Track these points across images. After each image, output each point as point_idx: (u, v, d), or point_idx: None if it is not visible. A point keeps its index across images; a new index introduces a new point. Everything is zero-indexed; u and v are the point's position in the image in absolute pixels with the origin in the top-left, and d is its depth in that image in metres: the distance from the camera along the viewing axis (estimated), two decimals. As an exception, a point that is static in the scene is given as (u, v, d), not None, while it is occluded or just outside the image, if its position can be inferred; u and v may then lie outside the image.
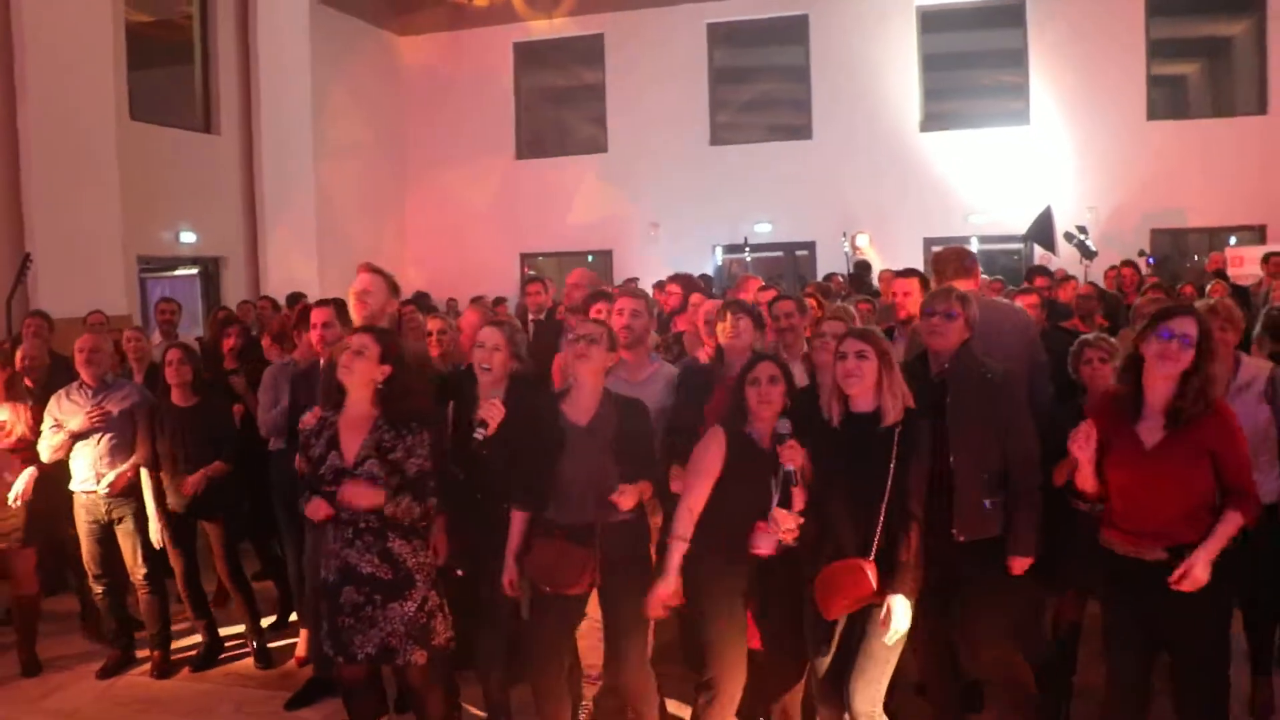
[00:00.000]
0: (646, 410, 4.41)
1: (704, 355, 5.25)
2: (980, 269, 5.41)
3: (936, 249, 16.30)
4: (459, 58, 18.73)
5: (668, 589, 3.91)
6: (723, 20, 17.58)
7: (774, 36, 17.93)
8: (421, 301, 12.39)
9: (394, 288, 5.19)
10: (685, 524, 3.91)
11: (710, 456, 3.96)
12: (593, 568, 4.08)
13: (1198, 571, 3.38)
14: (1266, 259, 11.26)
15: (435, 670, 4.21)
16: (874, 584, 3.61)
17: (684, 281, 7.21)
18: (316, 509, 3.95)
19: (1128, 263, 10.94)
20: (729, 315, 4.76)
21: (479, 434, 4.28)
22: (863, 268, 13.76)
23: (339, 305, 5.30)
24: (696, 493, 3.93)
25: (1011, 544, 3.98)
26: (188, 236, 14.17)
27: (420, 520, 4.08)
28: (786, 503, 3.86)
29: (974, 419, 4.01)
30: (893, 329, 5.53)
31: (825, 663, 3.88)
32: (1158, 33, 16.23)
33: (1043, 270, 9.59)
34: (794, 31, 17.39)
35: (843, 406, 3.83)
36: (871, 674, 3.73)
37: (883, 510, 3.68)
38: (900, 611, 3.62)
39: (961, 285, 4.75)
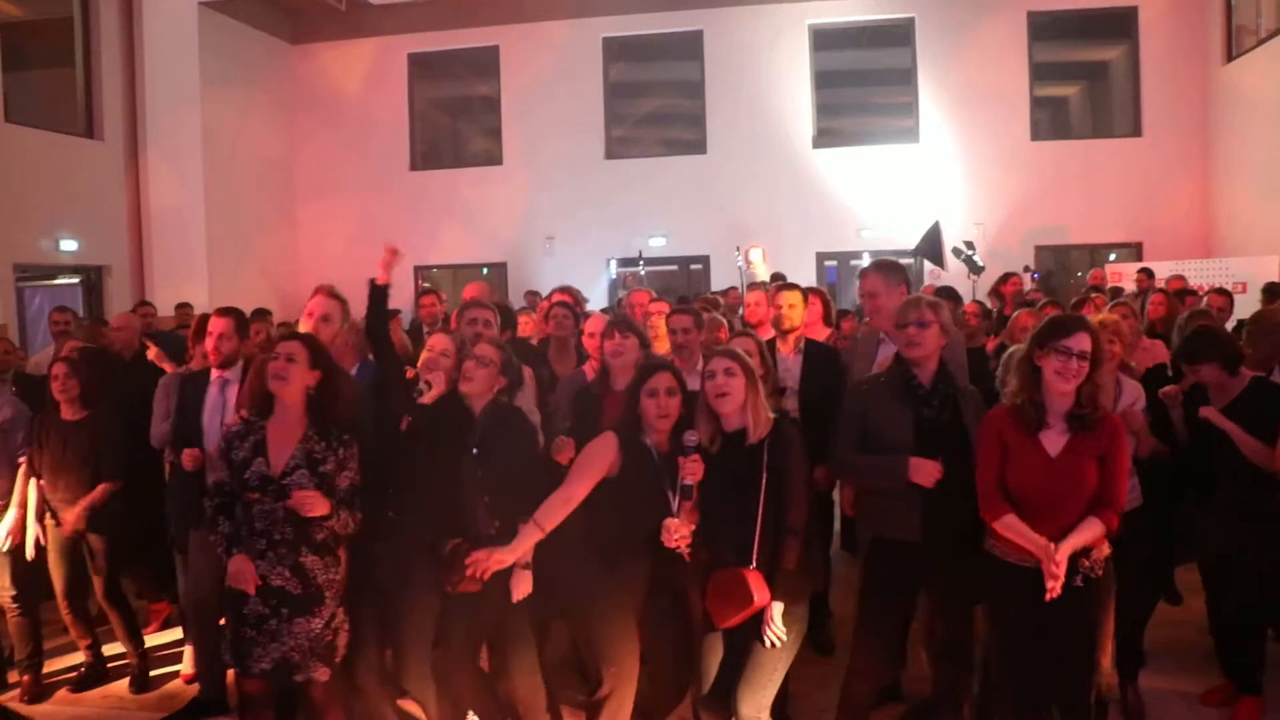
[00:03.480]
0: (520, 413, 4.46)
1: (590, 370, 5.28)
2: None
3: (829, 263, 16.73)
4: (352, 67, 18.44)
5: (500, 560, 3.85)
6: (618, 35, 17.60)
7: (669, 52, 18.06)
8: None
9: (347, 313, 5.14)
10: (554, 515, 3.85)
11: (600, 458, 3.95)
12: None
13: (1059, 567, 3.53)
14: (1144, 272, 11.72)
15: (336, 688, 4.17)
16: (755, 595, 3.67)
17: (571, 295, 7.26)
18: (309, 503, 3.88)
19: (1007, 275, 11.21)
20: (616, 333, 4.79)
21: (422, 388, 4.41)
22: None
23: (238, 316, 5.21)
24: (578, 487, 3.90)
25: None
26: (68, 244, 13.72)
27: (347, 536, 4.07)
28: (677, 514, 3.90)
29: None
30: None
31: (712, 671, 3.89)
32: (1040, 56, 16.70)
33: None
34: (689, 47, 17.50)
35: (714, 427, 3.88)
36: (758, 681, 3.78)
37: (759, 522, 3.74)
38: (778, 618, 3.71)
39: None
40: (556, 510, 3.86)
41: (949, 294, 8.49)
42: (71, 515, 5.45)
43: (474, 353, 4.39)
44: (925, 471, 3.93)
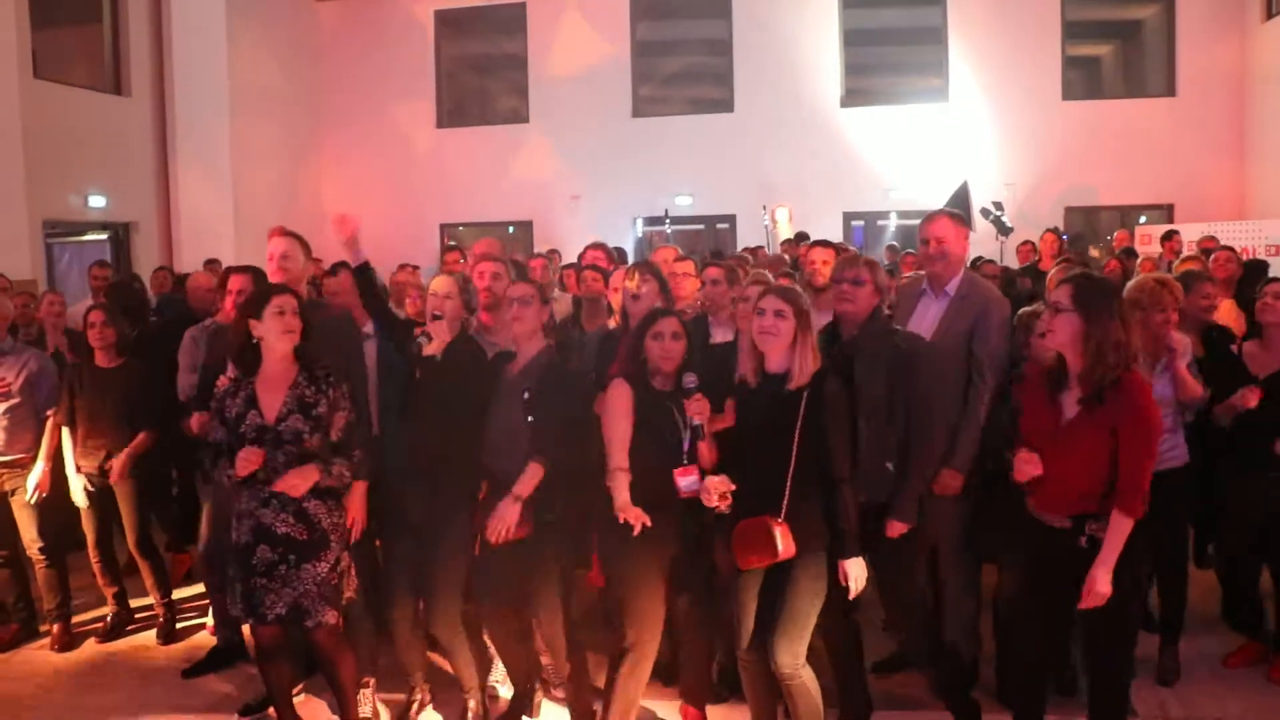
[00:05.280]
0: (572, 376, 4.56)
1: (613, 322, 5.32)
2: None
3: (856, 223, 16.64)
4: (379, 23, 18.37)
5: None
6: (647, -8, 17.48)
7: (697, 9, 17.89)
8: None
9: (308, 250, 5.13)
10: (620, 455, 3.98)
11: (622, 403, 4.04)
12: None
13: (1100, 587, 3.39)
14: (1168, 236, 11.58)
15: (345, 632, 4.24)
16: (780, 545, 3.66)
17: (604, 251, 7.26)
18: (248, 461, 3.85)
19: (1050, 231, 11.15)
20: (636, 274, 4.83)
21: (422, 342, 4.42)
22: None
23: (257, 273, 5.21)
24: (620, 429, 4.00)
25: (894, 510, 4.07)
26: (97, 201, 13.81)
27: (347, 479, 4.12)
28: (694, 457, 3.97)
29: (879, 385, 4.05)
30: None
31: (748, 626, 3.93)
32: (1073, 14, 16.46)
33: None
34: (717, 4, 17.33)
35: (758, 365, 3.89)
36: (793, 631, 3.79)
37: (790, 473, 3.73)
38: (856, 573, 3.75)
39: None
40: (620, 453, 3.99)
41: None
42: (117, 464, 5.53)
43: (510, 294, 4.46)
44: None
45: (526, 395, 4.24)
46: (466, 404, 4.35)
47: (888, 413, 4.06)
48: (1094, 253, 13.20)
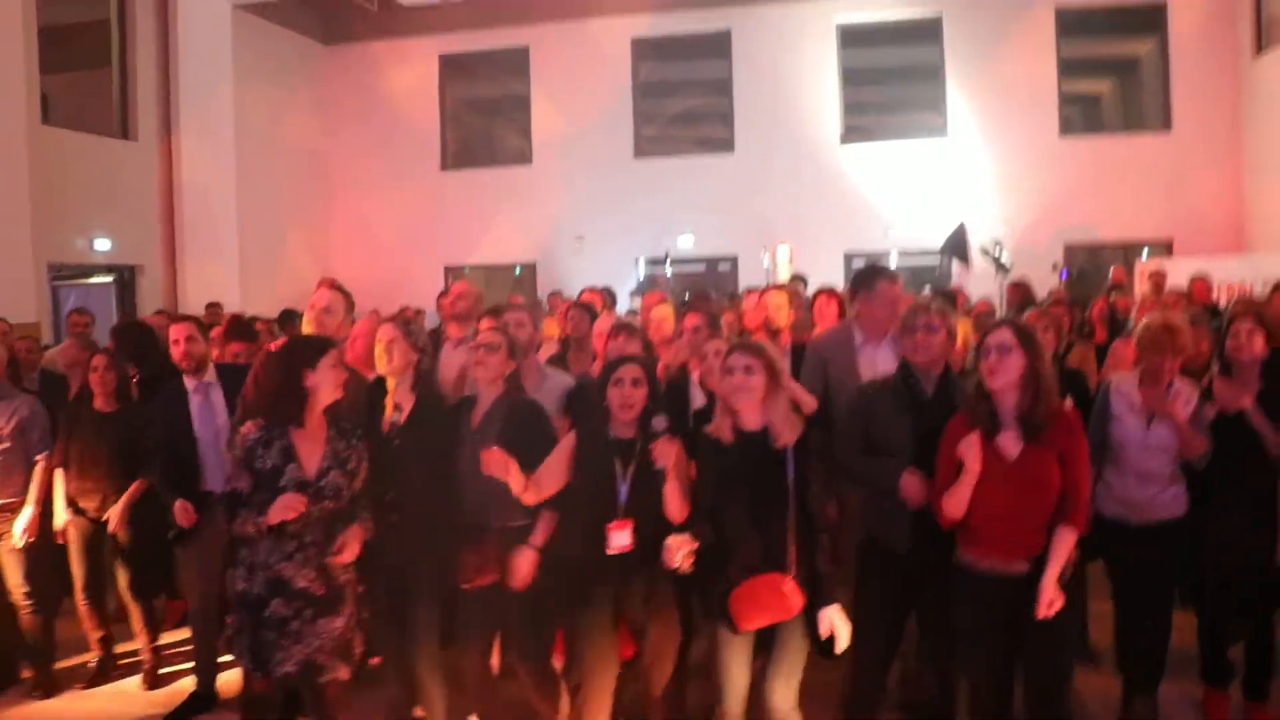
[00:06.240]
0: (540, 410, 4.57)
1: (596, 370, 5.43)
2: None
3: (858, 261, 16.67)
4: (385, 68, 18.66)
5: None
6: (647, 35, 17.69)
7: (697, 51, 18.08)
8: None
9: (351, 306, 5.27)
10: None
11: (565, 448, 4.14)
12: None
13: (1052, 594, 3.57)
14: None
15: (351, 687, 4.22)
16: (793, 602, 3.66)
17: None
18: (289, 508, 3.78)
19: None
20: (621, 336, 5.04)
21: (395, 419, 4.44)
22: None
23: (196, 320, 5.41)
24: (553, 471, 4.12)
25: None
26: (102, 244, 13.97)
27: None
28: (631, 512, 3.97)
29: None
30: None
31: (742, 680, 3.88)
32: (1069, 52, 16.63)
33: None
34: (717, 46, 17.55)
35: (733, 422, 3.85)
36: (790, 671, 3.80)
37: (790, 528, 3.71)
38: (840, 622, 3.72)
39: None
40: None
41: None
42: (115, 514, 5.55)
43: (480, 340, 4.51)
44: (912, 489, 3.92)
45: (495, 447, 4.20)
46: (430, 456, 4.39)
47: None
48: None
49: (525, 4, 17.67)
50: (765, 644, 3.85)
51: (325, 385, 3.96)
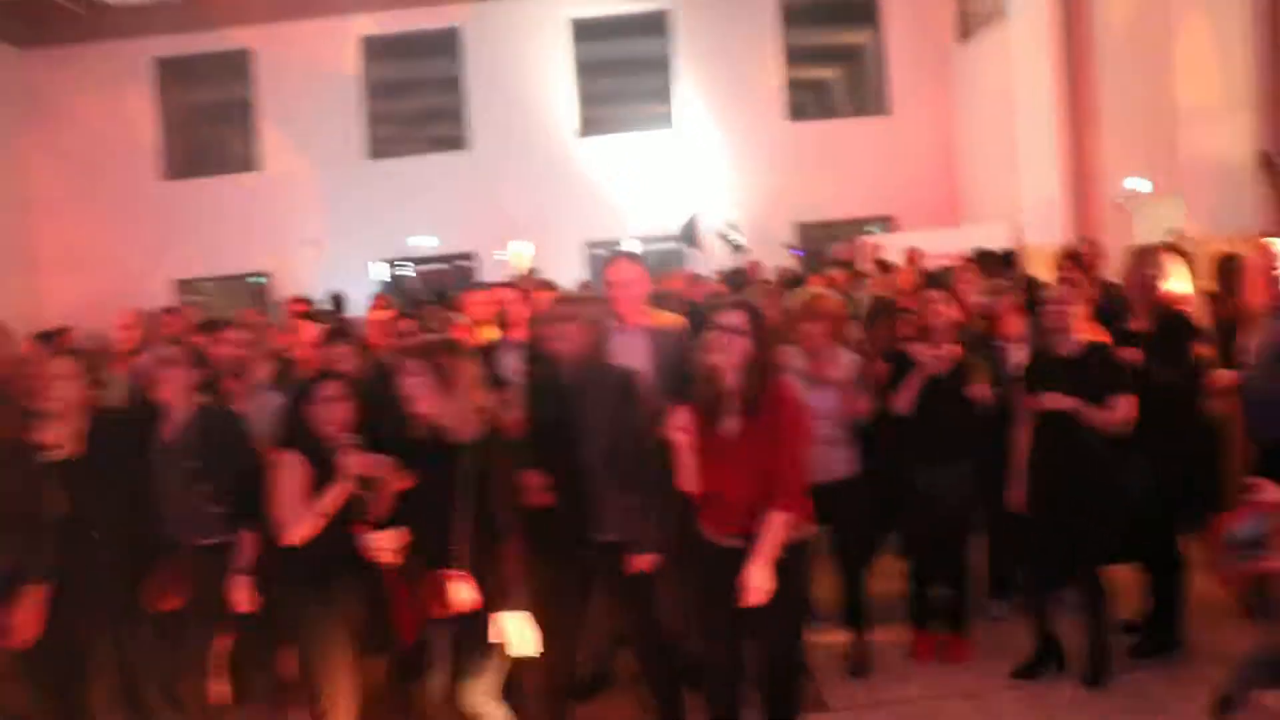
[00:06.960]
0: (234, 419, 4.57)
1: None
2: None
3: (597, 251, 16.74)
4: (93, 74, 17.37)
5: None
6: (376, 34, 17.31)
7: (428, 49, 17.84)
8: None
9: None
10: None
11: (294, 481, 3.97)
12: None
13: (758, 580, 3.56)
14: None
15: None
16: (454, 597, 3.66)
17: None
18: None
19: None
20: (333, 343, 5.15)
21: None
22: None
23: None
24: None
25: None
26: None
27: None
28: (361, 512, 3.94)
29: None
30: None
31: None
32: (795, 40, 17.27)
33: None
34: (447, 43, 17.34)
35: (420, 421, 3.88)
36: (473, 671, 3.74)
37: (460, 525, 3.70)
38: (515, 627, 3.73)
39: None
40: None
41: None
42: None
43: (160, 355, 4.58)
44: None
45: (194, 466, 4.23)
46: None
47: None
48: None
49: (243, 4, 16.90)
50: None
51: None
